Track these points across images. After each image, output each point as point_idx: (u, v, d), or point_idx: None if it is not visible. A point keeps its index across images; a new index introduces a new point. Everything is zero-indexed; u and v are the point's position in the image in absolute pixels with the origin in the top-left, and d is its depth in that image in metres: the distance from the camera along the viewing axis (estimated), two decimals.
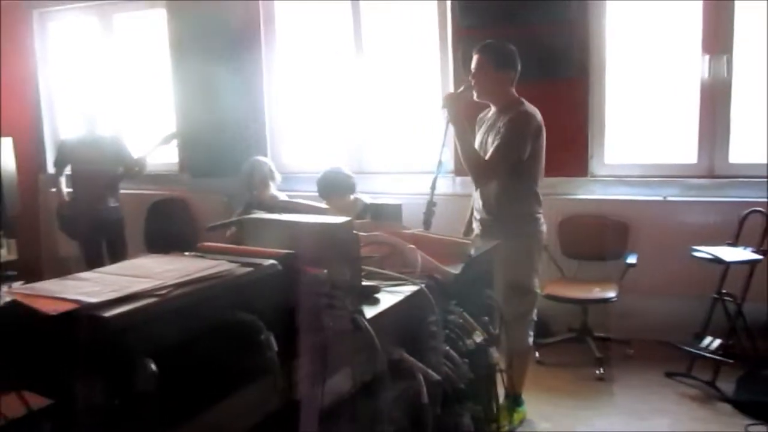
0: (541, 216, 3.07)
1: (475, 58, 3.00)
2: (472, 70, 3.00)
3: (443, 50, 4.61)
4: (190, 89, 5.32)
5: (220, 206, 5.20)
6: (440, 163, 3.00)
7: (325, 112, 5.16)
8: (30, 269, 5.80)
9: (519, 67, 3.01)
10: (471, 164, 2.89)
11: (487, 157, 2.88)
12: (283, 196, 4.54)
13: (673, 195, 4.07)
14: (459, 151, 2.91)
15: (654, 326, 4.00)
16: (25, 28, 6.03)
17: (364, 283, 1.75)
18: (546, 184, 4.27)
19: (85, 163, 4.72)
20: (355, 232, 1.65)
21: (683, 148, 4.17)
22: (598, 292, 3.83)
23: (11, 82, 6.02)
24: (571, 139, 4.26)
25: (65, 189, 4.82)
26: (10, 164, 4.34)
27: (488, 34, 4.04)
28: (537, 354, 3.93)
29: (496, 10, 4.30)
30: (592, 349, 3.84)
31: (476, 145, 3.08)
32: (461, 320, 2.06)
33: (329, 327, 1.47)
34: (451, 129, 2.92)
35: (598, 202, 4.21)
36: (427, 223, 2.93)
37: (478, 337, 2.02)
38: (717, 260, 3.45)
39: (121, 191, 5.00)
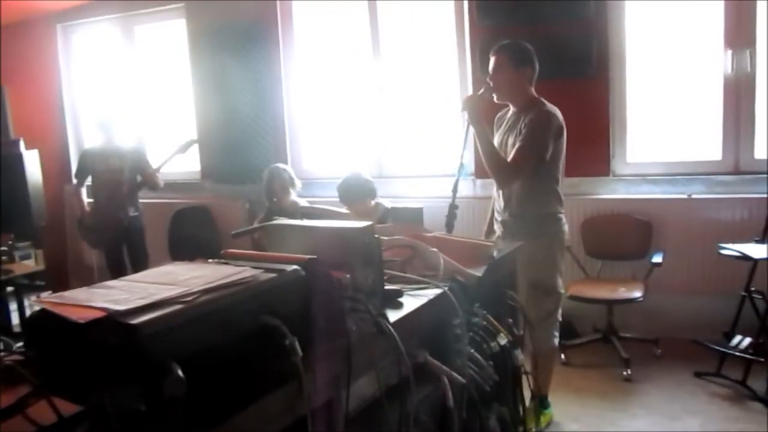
0: (563, 216, 3.04)
1: (492, 58, 2.99)
2: (490, 72, 2.99)
3: (461, 50, 4.60)
4: (210, 97, 5.38)
5: (242, 213, 5.25)
6: (461, 165, 2.99)
7: (344, 117, 5.18)
8: (57, 279, 5.90)
9: (537, 66, 2.99)
10: (493, 166, 2.88)
11: (510, 158, 2.87)
12: (303, 203, 4.57)
13: (698, 192, 4.02)
14: (481, 153, 2.90)
15: (681, 325, 3.95)
16: (50, 42, 6.14)
17: (387, 287, 1.75)
18: (568, 184, 4.27)
19: (105, 172, 4.79)
20: (376, 236, 1.66)
21: (707, 145, 4.11)
22: (623, 292, 3.79)
23: (37, 94, 6.16)
24: (592, 138, 4.23)
25: (86, 199, 4.89)
26: (36, 175, 4.42)
27: (506, 33, 4.04)
28: (563, 356, 3.91)
29: (514, 8, 4.29)
30: (618, 349, 3.80)
31: (496, 145, 3.07)
32: (485, 322, 2.05)
33: (353, 331, 1.47)
34: (472, 131, 2.91)
35: (621, 201, 4.16)
36: (449, 226, 2.93)
37: (503, 339, 2.01)
38: (744, 257, 3.39)
39: (146, 200, 5.07)
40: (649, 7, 4.18)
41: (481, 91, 2.97)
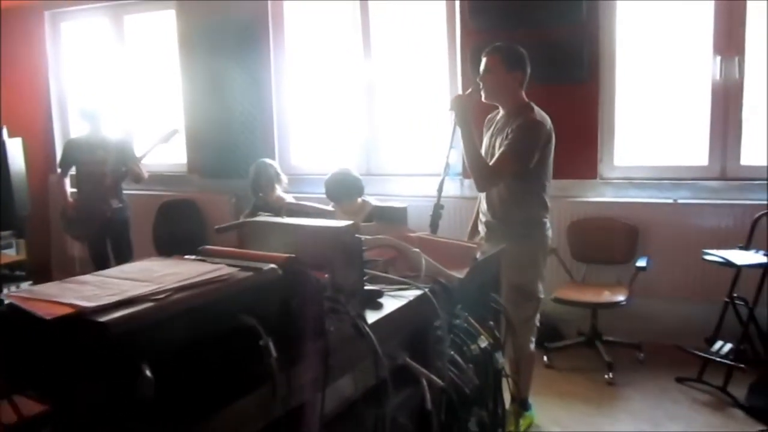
0: (547, 221, 3.04)
1: (484, 59, 2.97)
2: (481, 72, 2.97)
3: (452, 52, 4.58)
4: (199, 90, 5.34)
5: (228, 207, 5.21)
6: (447, 165, 2.97)
7: (334, 113, 5.16)
8: (40, 270, 5.84)
9: (529, 70, 2.98)
10: (474, 169, 2.87)
11: (491, 163, 2.86)
12: (289, 198, 4.54)
13: (684, 198, 4.03)
14: (464, 154, 2.88)
15: (665, 330, 3.97)
16: (38, 28, 6.06)
17: (367, 287, 1.73)
18: (555, 187, 4.23)
19: (88, 163, 4.70)
20: (358, 235, 1.64)
21: (694, 151, 4.13)
22: (607, 296, 3.79)
23: (23, 82, 6.08)
24: (581, 141, 4.23)
25: (69, 190, 4.81)
26: (19, 164, 4.35)
27: (497, 36, 4.02)
28: (546, 358, 3.91)
29: (506, 12, 4.28)
30: (602, 353, 3.80)
31: (483, 147, 3.06)
32: (466, 325, 2.04)
33: (331, 332, 1.45)
34: (459, 131, 2.89)
35: (607, 204, 4.17)
36: (434, 226, 2.92)
37: (483, 342, 2.00)
38: (728, 264, 3.40)
39: (131, 192, 5.02)
40: (640, 13, 4.18)
41: (469, 90, 2.96)
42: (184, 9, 5.38)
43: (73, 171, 4.83)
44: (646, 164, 4.25)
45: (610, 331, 4.02)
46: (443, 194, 3.02)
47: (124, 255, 4.83)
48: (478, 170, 2.87)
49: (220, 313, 1.22)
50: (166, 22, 5.58)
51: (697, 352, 3.59)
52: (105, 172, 4.66)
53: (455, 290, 1.91)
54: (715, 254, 3.48)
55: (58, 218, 4.97)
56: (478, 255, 2.16)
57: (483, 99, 3.00)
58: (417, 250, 1.98)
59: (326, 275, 1.46)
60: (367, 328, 1.46)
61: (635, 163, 4.27)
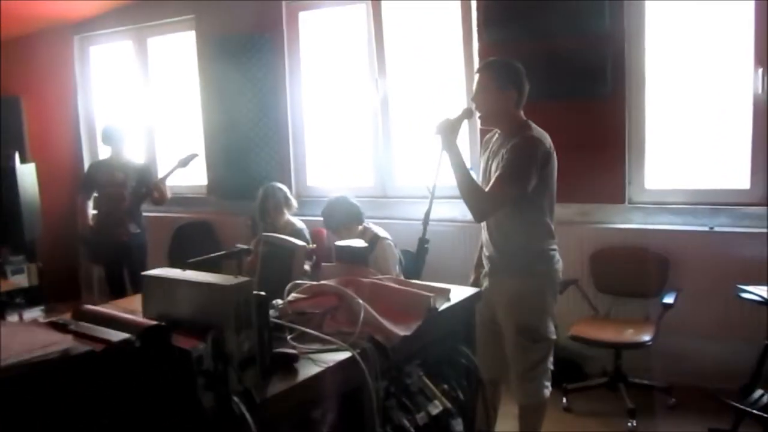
0: (555, 252, 2.73)
1: (476, 78, 2.71)
2: (474, 92, 2.71)
3: (468, 66, 4.32)
4: (217, 111, 5.24)
5: (244, 230, 5.06)
6: (433, 194, 2.71)
7: (349, 134, 4.96)
8: (67, 293, 5.86)
9: (527, 87, 2.69)
10: (469, 197, 2.59)
11: (487, 189, 2.58)
12: (299, 223, 4.36)
13: (722, 225, 3.62)
14: (456, 182, 2.61)
15: (698, 372, 3.57)
16: (67, 53, 6.12)
17: (281, 350, 1.51)
18: (578, 212, 3.97)
19: (108, 186, 4.67)
20: (260, 292, 1.42)
21: (734, 173, 3.71)
22: (631, 335, 3.42)
23: (51, 106, 6.15)
24: (607, 161, 3.89)
25: (90, 213, 4.78)
26: (31, 189, 4.33)
27: (514, 48, 3.77)
28: (564, 400, 3.57)
29: (524, 23, 3.98)
30: (624, 397, 3.43)
31: (480, 172, 2.79)
32: (421, 386, 1.78)
33: (207, 412, 1.23)
34: (446, 157, 2.64)
35: (636, 232, 3.80)
36: (419, 264, 2.65)
37: (436, 408, 1.73)
38: (766, 302, 2.99)
39: (150, 214, 4.96)
40: (671, 21, 3.81)
41: (459, 114, 2.69)
42: (203, 29, 5.32)
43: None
44: (680, 187, 3.85)
45: (637, 372, 3.64)
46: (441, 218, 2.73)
47: (139, 281, 4.73)
48: (473, 198, 2.60)
49: (47, 394, 1.03)
50: (187, 44, 5.53)
51: (731, 402, 3.17)
52: (124, 195, 4.60)
53: (397, 349, 1.66)
54: (753, 291, 3.07)
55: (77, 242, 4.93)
56: (438, 304, 1.89)
57: (480, 124, 2.73)
58: (359, 300, 1.74)
59: (200, 345, 1.24)
60: (243, 409, 1.22)
61: (667, 186, 3.88)
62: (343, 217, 3.68)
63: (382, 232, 3.80)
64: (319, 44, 4.99)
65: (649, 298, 3.69)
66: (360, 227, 3.74)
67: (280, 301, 1.85)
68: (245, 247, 2.78)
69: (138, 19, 5.66)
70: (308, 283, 1.93)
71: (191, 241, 5.27)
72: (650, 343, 3.34)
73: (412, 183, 4.65)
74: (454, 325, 2.00)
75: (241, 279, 1.35)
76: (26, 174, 4.33)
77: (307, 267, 4.18)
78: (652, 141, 3.91)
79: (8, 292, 3.91)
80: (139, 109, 5.89)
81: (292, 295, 1.87)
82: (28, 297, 4.45)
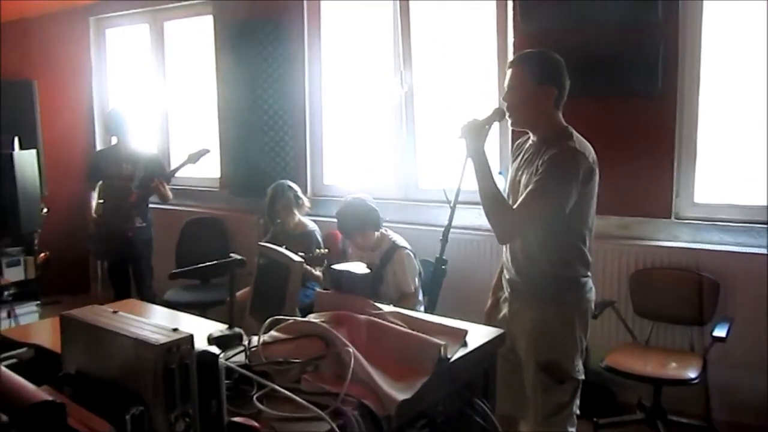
0: (588, 280, 2.34)
1: (508, 72, 2.33)
2: (505, 88, 2.33)
3: (502, 60, 3.92)
4: (233, 100, 4.94)
5: (256, 228, 4.77)
6: (453, 208, 2.35)
7: (370, 130, 4.61)
8: (77, 286, 5.66)
9: (567, 83, 2.30)
10: (492, 213, 2.22)
11: (515, 205, 2.21)
12: (311, 225, 4.05)
13: None
14: (479, 194, 2.25)
15: (747, 410, 3.17)
16: (83, 35, 5.88)
17: (238, 420, 1.17)
18: (619, 225, 3.57)
19: (115, 178, 4.41)
20: (214, 351, 1.08)
21: None
22: (674, 370, 3.03)
23: (65, 89, 5.92)
24: (652, 170, 3.49)
25: (94, 203, 4.52)
26: (31, 177, 4.08)
27: (556, 40, 3.37)
28: None
29: (563, 11, 3.58)
30: None
31: (508, 181, 2.42)
32: None
33: None
34: (471, 164, 2.28)
35: (683, 251, 3.38)
36: (435, 288, 2.30)
37: None
38: None
39: (159, 207, 4.69)
40: (732, 10, 3.37)
41: (488, 115, 2.32)
42: (220, 13, 5.01)
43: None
44: (736, 203, 3.42)
45: (678, 407, 3.24)
46: (466, 226, 2.40)
47: (143, 277, 4.51)
48: (497, 215, 2.23)
49: None
50: (203, 29, 5.23)
51: None
52: (131, 189, 4.33)
53: (392, 417, 1.31)
54: None
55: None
56: (449, 353, 1.54)
57: (510, 125, 2.36)
58: (350, 349, 1.40)
59: (108, 428, 0.91)
60: None
61: (720, 200, 3.45)
62: (359, 221, 3.36)
63: (401, 241, 3.47)
64: (340, 33, 4.65)
65: (694, 326, 3.28)
66: (377, 233, 3.42)
67: (255, 340, 1.52)
68: (239, 257, 2.45)
69: (155, 1, 5.38)
70: (291, 319, 1.59)
71: (200, 237, 4.99)
72: (696, 380, 2.94)
73: (437, 186, 4.28)
74: (470, 376, 1.65)
75: (178, 334, 1.01)
76: (26, 161, 4.07)
77: (318, 273, 3.90)
78: (705, 148, 3.48)
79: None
80: (154, 95, 5.62)
81: (271, 334, 1.53)
82: (25, 291, 4.19)
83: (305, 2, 4.63)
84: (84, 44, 5.89)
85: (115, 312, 1.14)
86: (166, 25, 5.53)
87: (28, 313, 4.29)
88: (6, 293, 4.02)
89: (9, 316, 4.09)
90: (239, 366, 1.37)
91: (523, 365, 2.35)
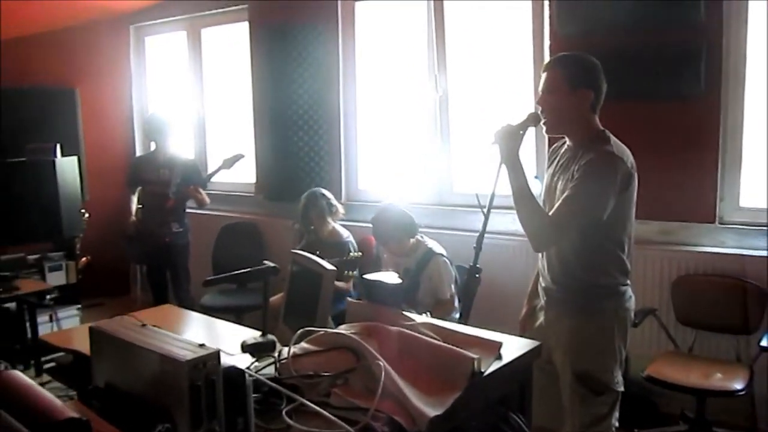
0: (627, 288, 2.28)
1: (543, 75, 2.28)
2: (540, 92, 2.29)
3: (538, 63, 3.86)
4: (268, 107, 4.96)
5: (291, 234, 4.78)
6: (486, 216, 2.30)
7: (405, 134, 4.58)
8: (119, 290, 5.78)
9: (604, 87, 2.25)
10: (527, 221, 2.17)
11: (551, 212, 2.16)
12: (344, 232, 4.04)
13: None
14: (513, 201, 2.20)
15: None
16: (123, 43, 6.00)
17: None
18: (660, 230, 3.47)
19: (153, 183, 4.50)
20: (245, 369, 1.07)
21: None
22: (719, 381, 2.92)
23: (107, 98, 6.04)
24: (694, 174, 3.38)
25: (134, 208, 4.61)
26: (72, 183, 4.17)
27: (593, 42, 3.32)
28: None
29: (603, 12, 3.49)
30: None
31: (543, 187, 2.37)
32: None
33: None
34: (504, 170, 2.23)
35: (728, 257, 3.26)
36: (468, 300, 2.26)
37: None
38: None
39: (196, 212, 4.77)
40: None
41: (523, 120, 2.27)
42: (256, 19, 5.05)
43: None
44: None
45: (724, 417, 3.13)
46: (501, 231, 2.35)
47: (181, 282, 4.56)
48: (532, 223, 2.18)
49: None
50: (240, 36, 5.28)
51: None
52: (168, 194, 4.40)
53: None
54: None
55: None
56: (484, 366, 1.50)
57: (545, 131, 2.31)
58: (381, 362, 1.38)
59: None
60: None
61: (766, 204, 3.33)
62: (394, 228, 3.34)
63: (437, 247, 3.44)
64: (375, 37, 4.64)
65: (740, 335, 3.17)
66: (412, 240, 3.39)
67: (285, 352, 1.50)
68: (272, 265, 2.46)
69: (192, 8, 5.46)
70: (321, 330, 1.58)
71: (236, 242, 5.04)
72: (743, 392, 2.83)
73: (472, 190, 4.22)
74: (504, 389, 1.61)
75: (204, 350, 1.00)
76: (67, 167, 4.16)
77: (346, 285, 3.88)
78: (752, 150, 3.36)
79: (38, 293, 3.74)
80: (191, 101, 5.70)
81: (301, 346, 1.52)
82: (67, 295, 4.29)
83: (339, 6, 4.63)
84: (124, 52, 6.01)
85: (143, 325, 1.14)
86: (203, 32, 5.59)
87: (69, 316, 4.39)
88: (48, 297, 4.11)
89: (51, 319, 4.18)
90: (269, 379, 1.36)
91: (560, 376, 2.29)
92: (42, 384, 3.27)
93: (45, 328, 4.15)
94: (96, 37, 5.87)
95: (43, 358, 3.50)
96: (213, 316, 2.96)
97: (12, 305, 3.67)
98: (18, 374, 1.03)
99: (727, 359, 3.16)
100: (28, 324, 3.68)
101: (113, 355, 1.10)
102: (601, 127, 2.27)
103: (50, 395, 0.97)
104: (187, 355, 0.97)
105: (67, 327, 4.32)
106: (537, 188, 2.53)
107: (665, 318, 3.33)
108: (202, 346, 1.01)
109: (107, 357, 1.11)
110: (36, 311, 3.75)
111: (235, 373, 1.06)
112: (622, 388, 2.28)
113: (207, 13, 5.42)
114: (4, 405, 0.93)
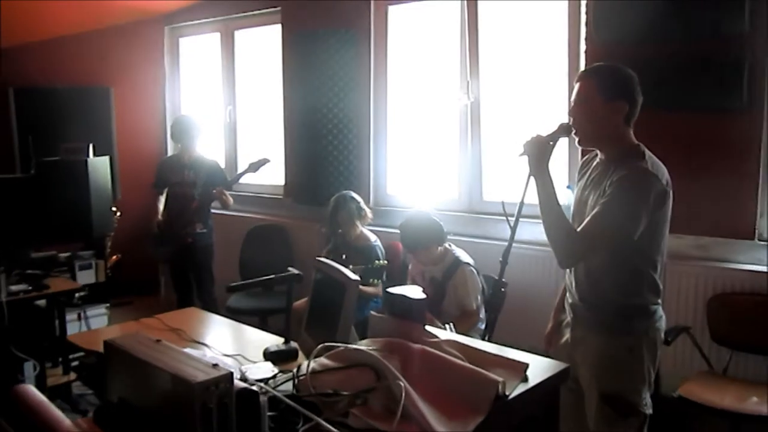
0: (658, 308, 2.20)
1: (576, 86, 2.22)
2: (572, 103, 2.22)
3: (573, 72, 3.77)
4: (298, 109, 4.97)
5: (318, 238, 4.77)
6: (514, 229, 2.25)
7: (435, 140, 4.53)
8: (149, 288, 5.84)
9: (639, 100, 2.17)
10: (555, 236, 2.11)
11: (579, 228, 2.09)
12: (372, 237, 4.01)
13: None
14: (541, 214, 2.14)
15: None
16: (157, 44, 6.07)
17: None
18: (695, 244, 3.36)
19: (178, 184, 4.55)
20: (259, 388, 1.04)
21: None
22: (756, 405, 2.81)
23: (141, 98, 6.10)
24: (733, 188, 3.26)
25: (161, 208, 4.65)
26: (103, 183, 4.22)
27: (631, 51, 3.24)
28: None
29: (642, 20, 3.39)
30: None
31: (574, 201, 2.31)
32: None
33: None
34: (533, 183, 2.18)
35: (766, 275, 3.15)
36: (493, 315, 2.21)
37: None
38: None
39: (224, 213, 4.79)
40: None
41: (553, 131, 2.21)
42: (288, 24, 5.07)
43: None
44: None
45: None
46: (529, 240, 2.29)
47: (204, 283, 4.58)
48: (560, 238, 2.11)
49: None
50: (272, 38, 5.29)
51: None
52: (192, 195, 4.43)
53: None
54: None
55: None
56: (508, 389, 1.45)
57: (577, 143, 2.24)
58: (401, 383, 1.34)
59: None
60: None
61: None
62: (422, 236, 3.30)
63: (464, 257, 3.39)
64: (407, 42, 4.60)
65: None
66: (440, 248, 3.34)
67: (303, 367, 1.47)
68: (296, 272, 2.44)
69: (226, 10, 5.50)
70: (342, 346, 1.54)
71: (263, 244, 5.04)
72: None
73: (502, 199, 4.15)
74: (530, 413, 1.55)
75: (217, 371, 0.98)
76: (99, 167, 4.21)
77: (373, 290, 3.86)
78: None
79: (67, 291, 3.79)
80: (223, 102, 5.73)
81: (320, 361, 1.49)
82: (95, 294, 4.34)
83: (372, 10, 4.60)
84: (159, 52, 6.08)
85: (158, 341, 1.11)
86: (236, 33, 5.62)
87: (97, 315, 4.43)
88: (77, 296, 4.16)
89: (79, 318, 4.23)
90: (287, 396, 1.33)
91: (585, 396, 2.22)
92: (69, 382, 3.32)
93: (73, 326, 4.20)
94: (132, 38, 5.95)
95: (70, 356, 3.56)
96: (239, 319, 2.96)
97: (42, 302, 3.71)
98: (32, 390, 1.01)
99: (764, 382, 3.04)
100: (57, 322, 3.73)
101: (127, 371, 1.08)
102: (636, 141, 2.19)
103: (60, 414, 0.95)
104: (199, 376, 0.94)
105: (96, 325, 4.37)
106: (569, 198, 2.47)
107: (699, 336, 3.23)
108: (215, 366, 0.99)
109: (121, 372, 1.10)
110: (65, 309, 3.80)
111: (249, 394, 1.03)
112: (650, 411, 2.19)
113: (241, 15, 5.45)
114: (14, 420, 0.92)
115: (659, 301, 2.19)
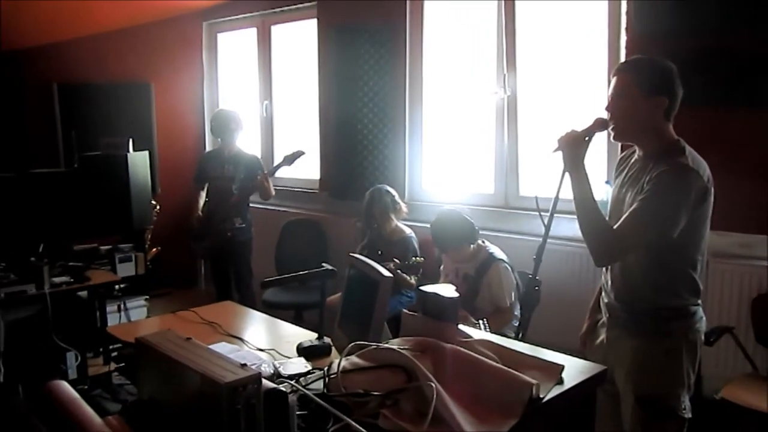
0: (698, 309, 2.13)
1: (613, 79, 2.16)
2: (609, 97, 2.16)
3: (613, 63, 3.69)
4: (333, 104, 4.98)
5: (354, 232, 4.78)
6: (548, 226, 2.20)
7: (471, 135, 4.48)
8: (189, 281, 5.94)
9: (680, 94, 2.09)
10: (590, 234, 2.06)
11: (617, 226, 2.04)
12: (408, 231, 4.01)
13: None
14: (576, 211, 2.10)
15: None
16: (196, 39, 6.14)
17: None
18: (740, 243, 3.27)
19: (218, 179, 4.60)
20: (287, 389, 1.04)
21: None
22: None
23: (180, 93, 6.18)
24: None
25: (201, 203, 4.71)
26: (143, 177, 4.30)
27: (673, 44, 3.14)
28: None
29: (684, 11, 3.30)
30: None
31: (611, 198, 2.25)
32: None
33: None
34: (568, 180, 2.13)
35: None
36: (526, 313, 2.17)
37: None
38: None
39: (260, 206, 4.84)
40: None
41: (589, 125, 2.16)
42: (324, 17, 5.06)
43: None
44: None
45: None
46: (565, 236, 2.25)
47: (243, 277, 4.63)
48: (595, 236, 2.06)
49: None
50: (309, 33, 5.31)
51: None
52: (232, 190, 4.48)
53: None
54: None
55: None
56: (543, 391, 1.42)
57: (612, 137, 2.19)
58: (433, 384, 1.32)
59: None
60: None
61: None
62: (453, 235, 3.27)
63: (498, 253, 3.35)
64: (443, 36, 4.55)
65: None
66: (472, 246, 3.31)
67: (335, 365, 1.47)
68: (329, 267, 2.45)
69: (263, 5, 5.53)
70: (373, 345, 1.54)
71: (299, 239, 5.07)
72: None
73: (538, 194, 4.09)
74: (566, 417, 1.52)
75: (245, 371, 0.98)
76: (138, 162, 4.29)
77: (413, 281, 3.85)
78: None
79: (107, 284, 3.88)
80: (260, 97, 5.77)
81: (352, 360, 1.48)
82: (135, 286, 4.44)
83: (408, 5, 4.57)
84: (197, 48, 6.15)
85: (188, 339, 1.12)
86: (273, 29, 5.65)
87: (137, 306, 4.53)
88: (117, 288, 4.25)
89: (119, 309, 4.32)
90: (317, 395, 1.33)
91: (621, 398, 2.17)
92: (110, 372, 3.40)
93: (114, 317, 4.29)
94: (171, 34, 6.02)
95: (111, 347, 3.65)
96: (274, 312, 2.98)
97: (84, 294, 3.80)
98: (65, 386, 1.03)
99: None
100: (98, 313, 3.82)
101: (157, 369, 1.09)
102: (676, 137, 2.12)
103: (91, 412, 0.97)
104: (227, 376, 0.95)
105: (135, 316, 4.46)
106: (607, 193, 2.41)
107: (743, 337, 3.13)
108: (243, 366, 0.99)
109: (151, 370, 1.11)
110: (105, 301, 3.88)
111: (277, 395, 1.03)
112: (689, 415, 2.13)
113: (277, 10, 5.48)
114: (45, 415, 0.93)
115: (699, 301, 2.13)
